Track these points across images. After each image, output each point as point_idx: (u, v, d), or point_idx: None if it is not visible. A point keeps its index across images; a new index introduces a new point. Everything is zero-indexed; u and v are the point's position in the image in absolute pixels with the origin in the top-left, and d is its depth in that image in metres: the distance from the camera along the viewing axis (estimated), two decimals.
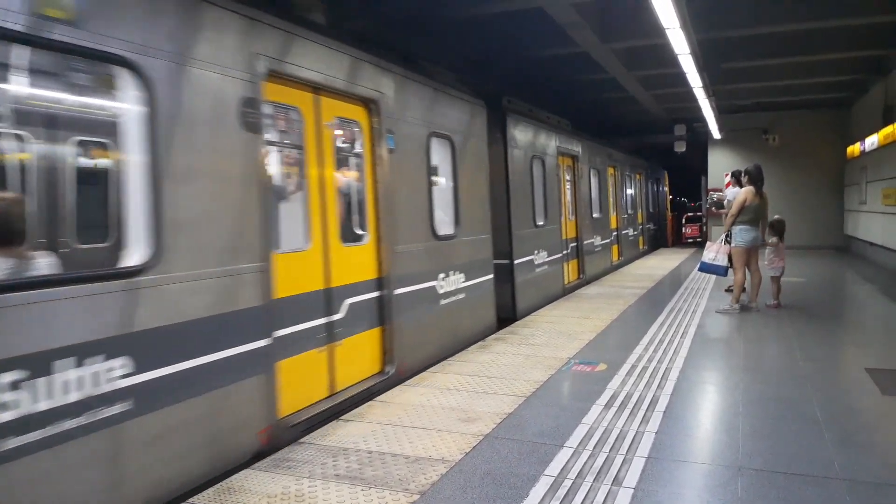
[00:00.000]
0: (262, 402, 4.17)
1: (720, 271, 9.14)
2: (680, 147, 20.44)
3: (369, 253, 5.67)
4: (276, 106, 4.82)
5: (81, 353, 3.05)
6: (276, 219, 4.86)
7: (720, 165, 20.47)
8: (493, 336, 7.62)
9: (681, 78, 11.79)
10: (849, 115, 18.78)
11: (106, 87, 3.88)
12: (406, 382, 5.72)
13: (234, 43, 4.13)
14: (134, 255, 3.45)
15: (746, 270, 8.87)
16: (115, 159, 5.00)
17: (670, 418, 4.59)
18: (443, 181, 7.25)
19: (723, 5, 10.10)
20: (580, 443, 4.16)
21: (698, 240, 25.32)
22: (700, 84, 12.01)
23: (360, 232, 5.68)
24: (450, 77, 7.63)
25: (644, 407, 4.84)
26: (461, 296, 7.24)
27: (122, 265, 3.44)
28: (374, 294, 5.66)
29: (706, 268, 9.20)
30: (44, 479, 2.91)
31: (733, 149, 20.28)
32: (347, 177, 5.71)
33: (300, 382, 4.73)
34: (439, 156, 7.13)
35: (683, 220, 29.20)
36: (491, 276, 8.18)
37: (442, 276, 6.81)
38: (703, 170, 21.69)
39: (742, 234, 8.69)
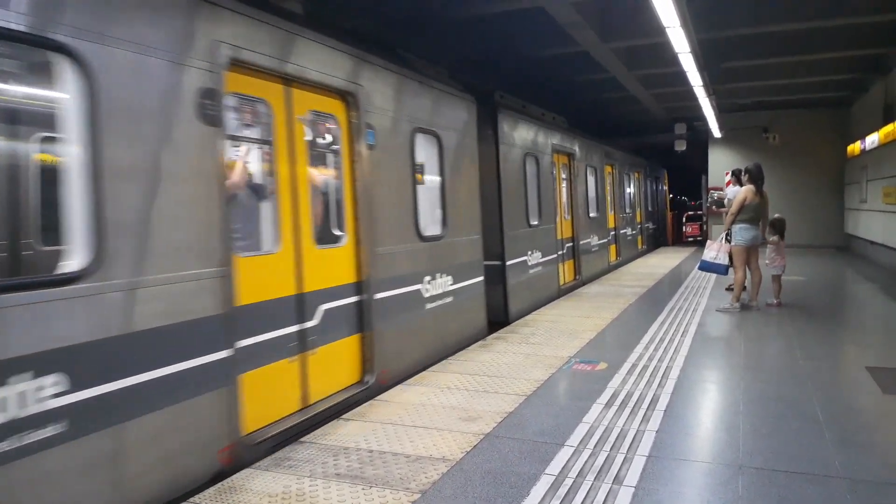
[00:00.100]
0: (222, 418, 3.85)
1: (721, 270, 9.14)
2: (680, 146, 20.44)
3: (347, 255, 5.35)
4: (241, 98, 4.53)
5: (4, 371, 2.75)
6: (240, 219, 4.66)
7: (720, 164, 20.46)
8: (494, 335, 7.62)
9: (681, 77, 11.79)
10: (849, 113, 18.78)
11: (39, 74, 3.60)
12: (406, 381, 5.72)
13: (191, 29, 3.80)
14: (70, 260, 3.14)
15: (747, 269, 8.88)
16: (48, 155, 4.65)
17: (671, 417, 4.59)
18: (429, 179, 6.97)
19: (723, 4, 10.10)
20: (581, 442, 4.17)
21: (699, 238, 25.31)
22: (700, 83, 12.01)
23: (337, 233, 5.38)
24: (437, 71, 7.36)
25: (645, 406, 4.84)
26: (449, 299, 6.94)
27: (57, 272, 3.12)
28: (353, 299, 5.35)
29: (706, 266, 9.20)
30: None
31: (734, 147, 20.28)
32: (323, 174, 5.43)
33: (268, 396, 4.40)
34: (425, 153, 6.83)
35: (684, 219, 29.19)
36: (481, 278, 7.90)
37: (428, 279, 6.50)
38: (704, 168, 21.69)
39: (742, 233, 8.69)
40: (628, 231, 17.85)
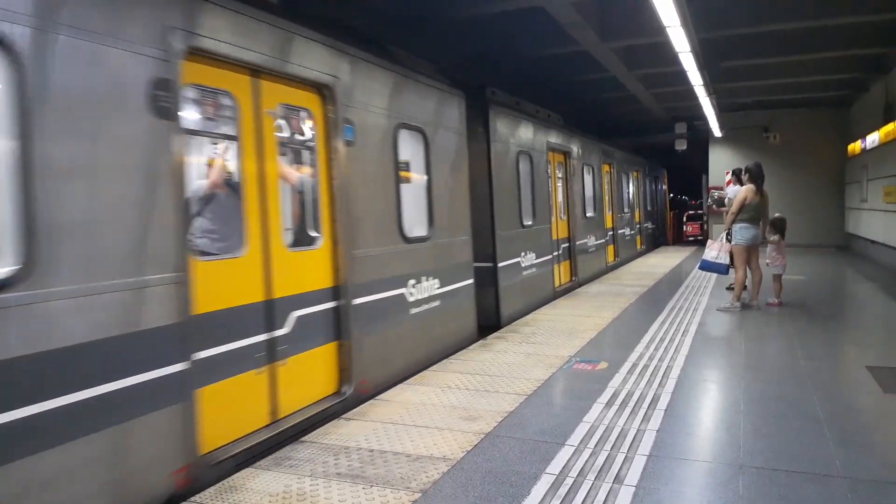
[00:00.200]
0: (176, 437, 3.55)
1: (722, 270, 9.14)
2: (681, 145, 20.43)
3: (323, 258, 5.05)
4: (202, 89, 4.25)
5: None
6: (219, 221, 4.51)
7: (721, 163, 20.45)
8: (494, 335, 7.62)
9: (681, 76, 11.79)
10: (849, 113, 18.78)
11: None
12: (407, 381, 5.72)
13: (140, 14, 3.48)
14: None
15: (747, 268, 8.88)
16: None
17: (671, 416, 4.59)
18: (414, 178, 6.71)
19: (723, 4, 10.09)
20: (581, 441, 4.17)
21: (699, 238, 25.30)
22: (700, 82, 12.01)
23: (313, 234, 5.10)
24: (424, 65, 7.10)
25: (645, 405, 4.84)
26: (435, 303, 6.66)
27: None
28: (329, 305, 5.05)
29: (708, 266, 9.20)
30: None
31: (734, 147, 20.28)
32: (296, 172, 5.19)
33: (231, 411, 4.11)
34: (410, 150, 6.54)
35: (684, 219, 29.19)
36: (471, 280, 7.62)
37: (412, 282, 6.22)
38: (704, 168, 21.69)
39: (742, 232, 8.69)
40: (627, 231, 17.61)
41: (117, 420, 3.23)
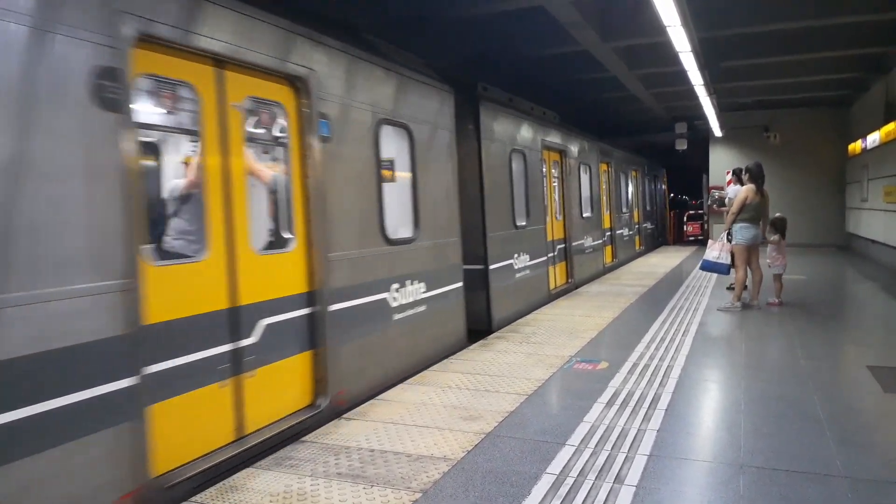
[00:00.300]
0: (123, 459, 3.26)
1: (723, 270, 9.14)
2: (681, 145, 20.42)
3: (296, 262, 4.75)
4: (157, 80, 3.99)
5: None
6: (177, 222, 4.26)
7: (721, 163, 20.46)
8: (495, 335, 7.62)
9: (681, 76, 11.79)
10: (849, 112, 18.78)
11: None
12: (408, 381, 5.73)
13: None
14: None
15: (748, 268, 8.88)
16: None
17: (672, 416, 4.59)
18: (398, 177, 6.46)
19: (723, 3, 10.09)
20: (582, 441, 4.17)
21: (699, 238, 25.29)
22: (701, 82, 12.00)
23: (287, 236, 4.80)
24: (410, 58, 6.79)
25: (646, 405, 4.84)
26: (421, 308, 6.37)
27: None
28: (303, 311, 4.75)
29: (709, 266, 9.20)
30: None
31: (734, 146, 20.28)
32: (266, 170, 4.88)
33: (189, 428, 3.80)
34: (393, 147, 6.28)
35: (685, 218, 29.19)
36: (459, 284, 7.32)
37: (395, 286, 5.94)
38: (705, 167, 21.69)
39: (743, 232, 8.69)
40: (625, 232, 17.35)
41: (53, 442, 2.94)
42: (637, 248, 19.04)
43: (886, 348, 6.88)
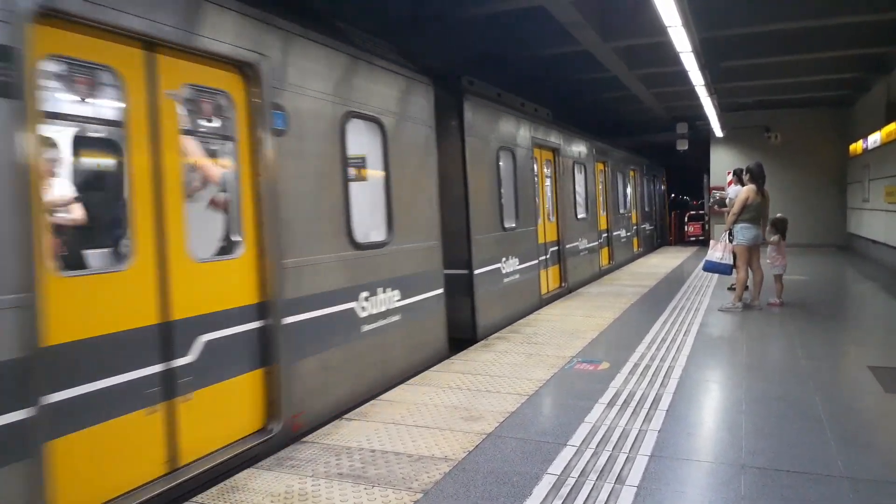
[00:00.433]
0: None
1: (726, 270, 9.13)
2: (682, 145, 20.41)
3: (244, 270, 4.26)
4: (69, 63, 3.54)
5: None
6: (67, 226, 3.75)
7: (722, 163, 20.45)
8: (496, 335, 7.62)
9: (682, 76, 11.79)
10: (850, 113, 18.77)
11: None
12: (409, 381, 5.72)
13: None
14: None
15: (748, 269, 8.88)
16: None
17: (673, 417, 4.59)
18: (369, 175, 6.05)
19: (723, 4, 10.10)
20: (583, 441, 4.17)
21: (701, 238, 25.29)
22: (702, 82, 12.00)
23: (236, 238, 4.30)
24: (384, 46, 6.30)
25: (647, 405, 4.84)
26: (394, 318, 5.88)
27: None
28: (252, 325, 4.26)
29: (712, 267, 9.19)
30: None
31: (735, 147, 20.27)
32: (214, 167, 4.43)
33: (106, 463, 3.32)
34: (363, 143, 5.81)
35: (686, 219, 29.20)
36: (440, 290, 6.80)
37: (365, 295, 5.43)
38: (706, 168, 21.68)
39: (744, 233, 8.69)
40: (622, 233, 16.86)
41: None
42: (635, 249, 18.67)
43: (887, 348, 6.88)
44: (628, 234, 17.82)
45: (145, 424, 3.53)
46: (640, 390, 5.22)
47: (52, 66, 3.40)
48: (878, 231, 15.15)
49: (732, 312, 8.65)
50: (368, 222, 5.80)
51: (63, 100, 3.76)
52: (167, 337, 3.67)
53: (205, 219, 4.28)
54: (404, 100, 6.35)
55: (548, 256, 10.72)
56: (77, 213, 3.78)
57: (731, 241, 8.86)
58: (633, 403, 4.90)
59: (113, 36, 3.43)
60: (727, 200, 12.00)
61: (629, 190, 18.29)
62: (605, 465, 3.80)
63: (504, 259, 8.68)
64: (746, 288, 8.91)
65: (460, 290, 7.58)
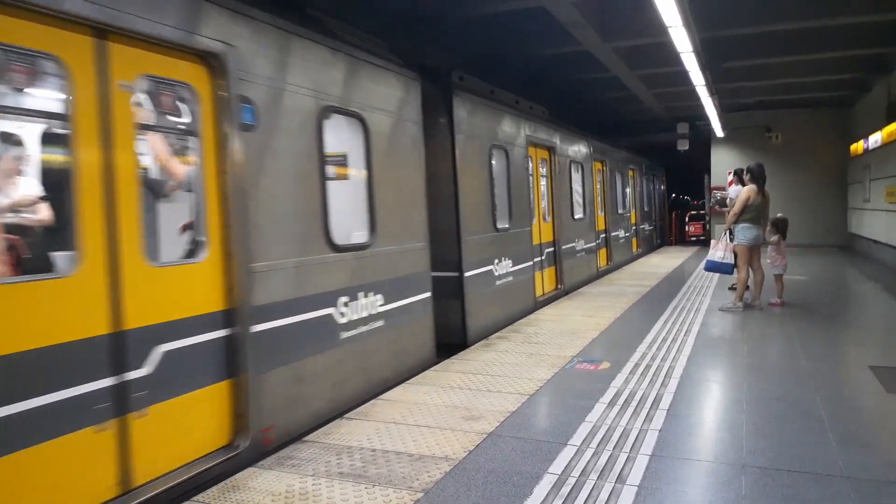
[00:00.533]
0: None
1: (727, 269, 9.12)
2: (683, 145, 20.41)
3: (208, 274, 3.97)
4: (6, 50, 3.30)
5: None
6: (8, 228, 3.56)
7: (723, 164, 20.46)
8: (496, 335, 7.62)
9: (683, 76, 11.79)
10: (851, 113, 18.77)
11: None
12: (409, 381, 5.72)
13: None
14: None
15: (749, 268, 8.88)
16: None
17: (674, 416, 4.59)
18: (350, 174, 5.82)
19: (724, 4, 10.10)
20: (584, 441, 4.17)
21: (701, 238, 25.30)
22: (702, 82, 12.00)
23: (200, 240, 4.04)
24: (367, 39, 6.00)
25: (648, 405, 4.84)
26: (377, 323, 5.61)
27: None
28: (217, 333, 3.98)
29: (713, 267, 9.18)
30: None
31: (736, 147, 20.28)
32: (179, 165, 4.22)
33: (45, 488, 3.05)
34: (342, 140, 5.60)
35: (686, 219, 29.20)
36: (427, 294, 6.54)
37: (344, 300, 5.17)
38: (707, 168, 21.68)
39: (745, 233, 8.69)
40: (621, 234, 16.62)
41: None
42: (634, 250, 18.43)
43: (888, 348, 6.87)
44: (627, 234, 17.64)
45: (93, 444, 3.24)
46: (640, 390, 5.22)
47: None
48: (878, 231, 15.15)
49: (733, 312, 8.65)
50: (349, 223, 5.56)
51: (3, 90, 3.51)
52: (119, 348, 3.39)
53: (165, 220, 4.11)
54: (389, 95, 6.11)
55: (543, 258, 10.51)
56: (36, 213, 3.65)
57: (731, 240, 8.87)
58: (634, 403, 4.90)
59: (54, 21, 3.15)
60: (728, 200, 12.00)
61: (628, 190, 18.09)
62: (605, 464, 3.80)
63: (496, 261, 8.46)
64: (747, 288, 8.91)
65: (450, 293, 7.33)
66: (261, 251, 4.29)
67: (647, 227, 21.16)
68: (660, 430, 4.31)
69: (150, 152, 4.24)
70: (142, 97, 3.82)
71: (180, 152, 4.27)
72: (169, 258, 3.99)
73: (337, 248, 5.12)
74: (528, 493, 3.46)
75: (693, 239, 26.72)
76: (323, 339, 4.95)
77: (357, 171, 5.76)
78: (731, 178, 14.47)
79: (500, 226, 8.61)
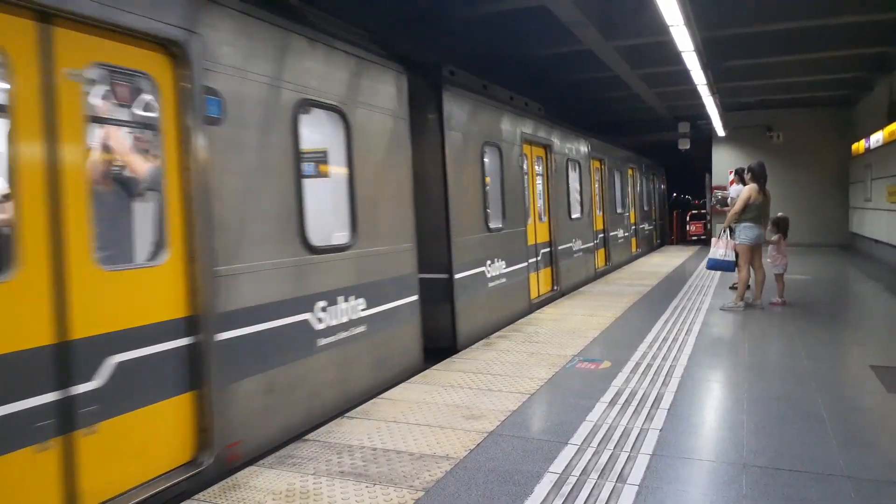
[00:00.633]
0: None
1: (730, 267, 9.10)
2: (684, 145, 20.41)
3: (169, 279, 3.70)
4: None
5: None
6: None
7: (724, 163, 20.45)
8: (497, 334, 7.62)
9: (684, 75, 11.78)
10: (853, 112, 18.76)
11: None
12: (410, 380, 5.72)
13: None
14: None
15: (750, 268, 8.88)
16: None
17: (675, 416, 4.59)
18: (330, 171, 5.60)
19: (725, 3, 10.09)
20: (584, 440, 4.17)
21: (702, 237, 25.29)
22: (704, 81, 11.99)
23: (161, 241, 3.77)
24: (348, 29, 5.72)
25: (648, 404, 4.84)
26: (359, 329, 5.35)
27: None
28: (178, 342, 3.71)
29: (715, 265, 9.16)
30: None
31: (737, 146, 20.28)
32: (141, 161, 3.94)
33: None
34: (322, 135, 5.40)
35: (688, 218, 29.20)
36: (414, 297, 6.28)
37: (322, 305, 4.89)
38: (707, 167, 21.68)
39: (746, 232, 8.69)
40: (619, 233, 16.35)
41: None
42: (633, 250, 18.17)
43: (890, 348, 6.87)
44: (626, 234, 17.39)
45: (32, 465, 2.97)
46: (641, 389, 5.22)
47: None
48: (880, 230, 15.14)
49: (734, 312, 8.65)
50: (329, 224, 5.33)
51: None
52: (64, 359, 3.11)
53: (119, 220, 3.81)
54: (372, 88, 5.82)
55: (538, 258, 10.23)
56: None
57: (731, 237, 8.86)
58: (635, 402, 4.90)
59: None
60: (729, 200, 11.99)
61: (627, 189, 17.87)
62: (606, 463, 3.80)
63: (489, 262, 8.17)
64: (748, 287, 8.91)
65: (439, 296, 7.09)
66: (227, 253, 4.02)
67: (646, 226, 20.97)
68: (660, 430, 4.31)
69: (106, 146, 3.93)
70: (94, 87, 3.52)
71: (139, 147, 3.99)
72: (124, 261, 3.72)
73: (314, 250, 4.84)
74: (529, 492, 3.46)
75: (694, 238, 26.71)
76: (298, 347, 4.66)
77: (337, 169, 5.49)
78: (732, 177, 14.47)
79: (492, 226, 8.38)
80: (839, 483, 3.51)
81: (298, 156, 4.73)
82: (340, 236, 5.34)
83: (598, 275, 13.53)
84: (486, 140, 8.28)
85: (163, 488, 3.49)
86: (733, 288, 9.67)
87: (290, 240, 4.63)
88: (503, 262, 8.56)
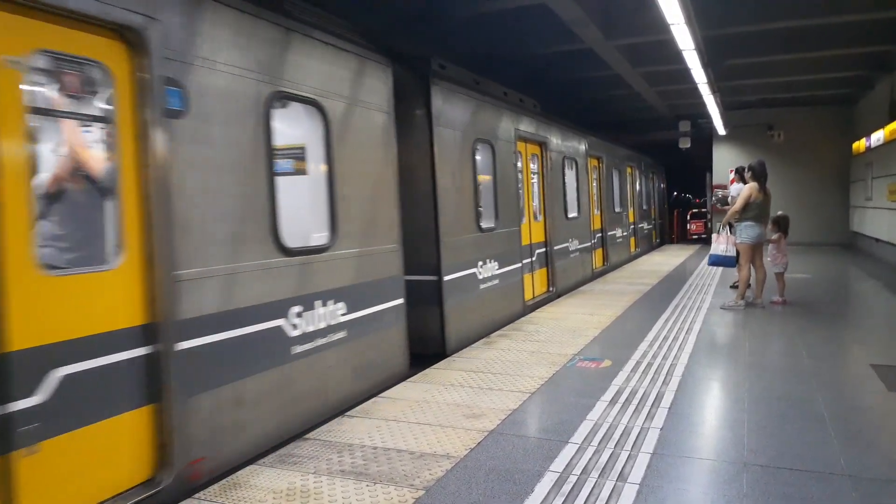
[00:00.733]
0: None
1: (730, 262, 9.09)
2: (685, 143, 20.38)
3: (123, 284, 3.43)
4: None
5: None
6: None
7: (725, 161, 20.43)
8: (498, 332, 7.62)
9: (685, 74, 11.77)
10: (854, 111, 18.74)
11: None
12: (410, 379, 5.72)
13: None
14: None
15: (751, 267, 8.88)
16: None
17: (675, 415, 4.59)
18: (307, 168, 5.39)
19: (726, 2, 10.08)
20: (585, 439, 4.17)
21: (703, 236, 25.29)
22: (705, 80, 11.98)
23: (115, 244, 3.51)
24: (328, 18, 5.38)
25: (649, 403, 4.84)
26: (338, 335, 5.07)
27: None
28: (134, 352, 3.44)
29: (717, 260, 9.15)
30: None
31: (738, 145, 20.26)
32: (95, 157, 3.61)
33: None
34: (298, 130, 5.19)
35: (688, 217, 29.19)
36: (399, 301, 6.02)
37: (297, 310, 4.61)
38: (708, 166, 21.66)
39: (748, 231, 8.68)
40: (618, 233, 16.14)
41: None
42: (632, 250, 17.96)
43: (890, 347, 6.86)
44: (625, 233, 17.18)
45: None
46: (642, 388, 5.22)
47: None
48: (881, 229, 15.12)
49: (735, 310, 8.64)
50: (306, 224, 5.08)
51: None
52: (2, 372, 2.86)
53: (68, 222, 3.52)
54: (354, 81, 5.53)
55: (534, 259, 9.96)
56: None
57: (732, 233, 8.86)
58: (636, 401, 4.90)
59: None
60: (729, 199, 11.98)
61: (626, 187, 17.67)
62: (607, 462, 3.80)
63: (481, 263, 7.91)
64: (749, 286, 8.91)
65: (427, 299, 6.84)
66: (189, 256, 3.75)
67: (646, 225, 20.81)
68: (661, 429, 4.31)
69: (53, 141, 3.65)
70: (37, 77, 3.26)
71: (91, 142, 3.69)
72: (73, 265, 3.40)
73: (288, 252, 4.55)
74: (530, 491, 3.46)
75: (694, 237, 26.69)
76: (270, 356, 4.37)
77: (315, 166, 5.25)
78: (732, 176, 14.46)
79: (484, 225, 8.10)
80: (840, 482, 3.51)
81: (271, 152, 4.46)
82: (319, 237, 5.10)
83: (596, 275, 13.38)
84: (478, 137, 8.03)
85: None
86: (734, 287, 9.67)
87: (261, 241, 4.36)
88: (496, 263, 8.34)
